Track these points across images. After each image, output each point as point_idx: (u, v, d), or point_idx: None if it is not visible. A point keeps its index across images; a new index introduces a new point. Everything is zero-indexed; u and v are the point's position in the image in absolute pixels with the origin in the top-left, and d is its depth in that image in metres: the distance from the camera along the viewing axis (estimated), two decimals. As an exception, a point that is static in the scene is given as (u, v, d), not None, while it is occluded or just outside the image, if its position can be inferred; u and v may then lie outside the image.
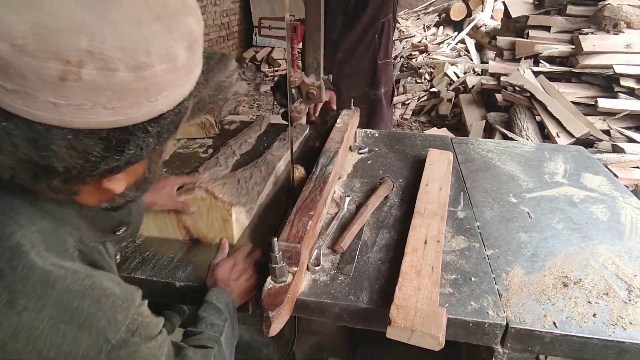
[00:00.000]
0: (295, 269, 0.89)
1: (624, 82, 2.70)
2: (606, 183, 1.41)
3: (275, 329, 0.82)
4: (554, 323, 0.84)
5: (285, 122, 1.69)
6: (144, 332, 0.51)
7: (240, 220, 1.07)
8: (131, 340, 0.49)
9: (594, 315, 0.86)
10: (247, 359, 1.42)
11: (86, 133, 0.42)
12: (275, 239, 0.85)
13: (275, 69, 6.39)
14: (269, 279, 0.87)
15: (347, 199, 1.24)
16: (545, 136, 2.77)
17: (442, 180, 1.31)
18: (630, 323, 0.84)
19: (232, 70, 0.59)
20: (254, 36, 7.21)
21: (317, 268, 0.97)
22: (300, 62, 4.07)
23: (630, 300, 0.90)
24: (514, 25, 3.74)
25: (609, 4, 2.99)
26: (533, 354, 0.87)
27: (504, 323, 0.84)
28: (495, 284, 0.94)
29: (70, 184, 0.46)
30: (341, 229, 1.12)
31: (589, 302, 0.89)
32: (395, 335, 0.79)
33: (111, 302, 0.48)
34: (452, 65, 5.25)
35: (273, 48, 6.95)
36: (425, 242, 1.01)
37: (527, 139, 2.65)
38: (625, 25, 2.95)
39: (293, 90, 1.17)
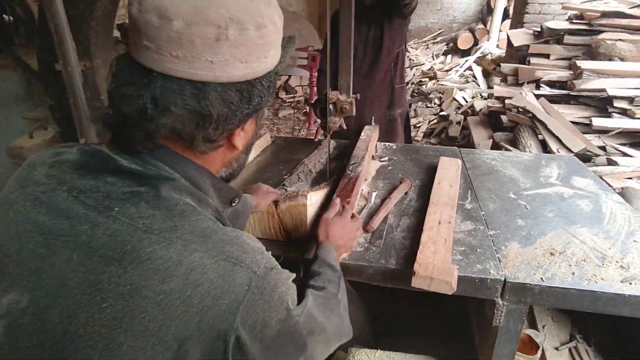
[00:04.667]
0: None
1: (617, 104, 2.96)
2: (592, 184, 1.65)
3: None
4: (541, 278, 1.08)
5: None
6: (277, 269, 0.63)
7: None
8: (270, 273, 0.60)
9: (573, 273, 1.10)
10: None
11: (229, 86, 0.59)
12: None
13: (292, 95, 6.78)
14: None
15: (374, 194, 1.51)
16: (547, 152, 3.02)
17: (452, 180, 1.57)
18: (602, 279, 1.08)
19: (294, 49, 0.76)
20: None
21: (354, 242, 1.23)
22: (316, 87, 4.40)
23: (603, 265, 1.14)
24: (516, 54, 4.05)
25: (604, 41, 3.29)
26: (526, 305, 1.10)
27: (502, 279, 1.09)
28: (497, 253, 1.19)
29: (218, 132, 0.62)
30: (370, 215, 1.38)
31: (570, 265, 1.13)
32: (418, 284, 1.04)
33: (250, 249, 0.60)
34: (460, 90, 5.57)
35: (290, 76, 7.37)
36: (439, 223, 1.27)
37: (530, 155, 2.90)
38: (620, 60, 3.24)
39: (330, 106, 1.46)
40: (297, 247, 1.20)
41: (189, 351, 0.52)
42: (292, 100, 6.62)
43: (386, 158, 1.89)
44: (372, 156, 1.91)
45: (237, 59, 0.58)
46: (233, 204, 0.76)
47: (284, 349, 0.62)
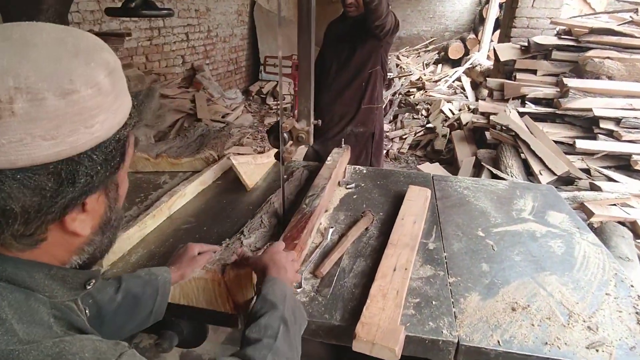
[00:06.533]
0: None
1: (603, 125, 2.88)
2: (567, 220, 1.55)
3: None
4: (498, 342, 0.97)
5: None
6: None
7: None
8: None
9: (537, 337, 0.99)
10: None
11: (35, 169, 0.46)
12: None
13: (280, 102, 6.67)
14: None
15: (331, 230, 1.40)
16: (530, 173, 2.93)
17: (417, 215, 1.46)
18: (565, 344, 0.97)
19: (158, 100, 0.62)
20: (260, 71, 7.55)
21: (298, 290, 1.12)
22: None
23: (569, 324, 1.03)
24: (503, 68, 3.97)
25: (591, 59, 3.21)
26: (482, 370, 0.99)
27: (456, 341, 0.98)
28: (453, 307, 1.08)
29: (32, 226, 0.49)
30: (323, 256, 1.26)
31: (532, 324, 1.02)
32: (359, 348, 0.92)
33: None
34: (447, 102, 5.49)
35: (277, 82, 7.27)
36: (394, 270, 1.16)
37: (512, 176, 2.80)
38: (607, 79, 3.16)
39: (285, 134, 1.35)
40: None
41: None
42: (277, 107, 6.50)
43: (353, 185, 1.78)
44: (339, 182, 1.79)
45: (38, 136, 0.45)
46: (88, 287, 0.61)
47: None
